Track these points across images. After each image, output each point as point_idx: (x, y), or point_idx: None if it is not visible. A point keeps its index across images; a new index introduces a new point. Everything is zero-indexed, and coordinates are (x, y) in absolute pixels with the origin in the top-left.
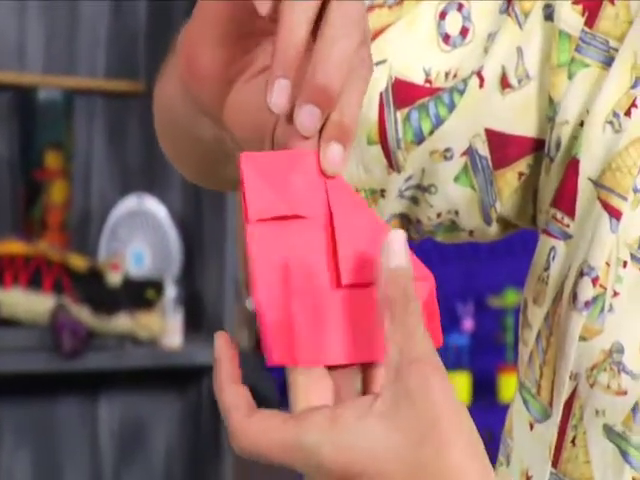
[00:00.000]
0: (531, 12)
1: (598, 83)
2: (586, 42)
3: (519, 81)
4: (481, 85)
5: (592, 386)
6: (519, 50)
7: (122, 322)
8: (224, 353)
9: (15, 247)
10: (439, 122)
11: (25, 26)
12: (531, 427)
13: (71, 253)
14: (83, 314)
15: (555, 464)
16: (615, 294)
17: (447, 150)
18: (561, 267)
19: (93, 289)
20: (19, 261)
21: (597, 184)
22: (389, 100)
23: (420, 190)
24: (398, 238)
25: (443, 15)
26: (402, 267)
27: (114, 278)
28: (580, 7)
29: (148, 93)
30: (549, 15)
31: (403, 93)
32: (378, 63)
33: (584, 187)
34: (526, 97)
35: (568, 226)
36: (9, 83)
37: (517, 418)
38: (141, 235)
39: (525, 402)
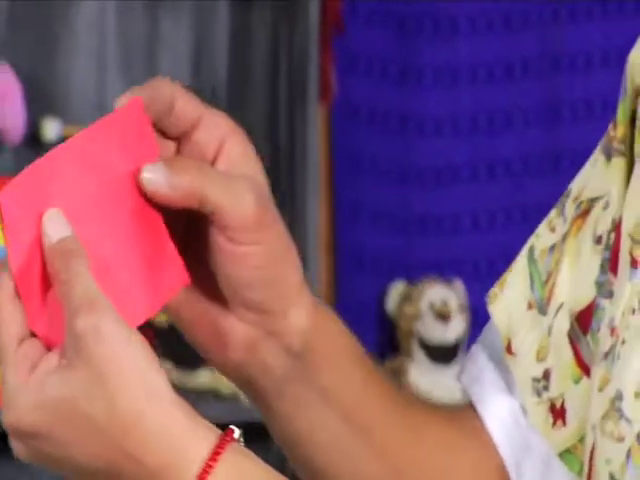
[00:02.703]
0: None
1: None
2: None
3: None
4: None
5: (602, 435)
6: None
7: (204, 377)
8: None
9: None
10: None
11: (105, 82)
12: None
13: None
14: (165, 368)
15: None
16: (623, 342)
17: None
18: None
19: (175, 343)
20: None
21: (632, 239)
22: (577, 334)
23: None
24: (48, 214)
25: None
26: (60, 239)
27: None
28: None
29: None
30: None
31: (584, 318)
32: (557, 310)
33: (624, 242)
34: None
35: (612, 284)
36: None
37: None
38: None
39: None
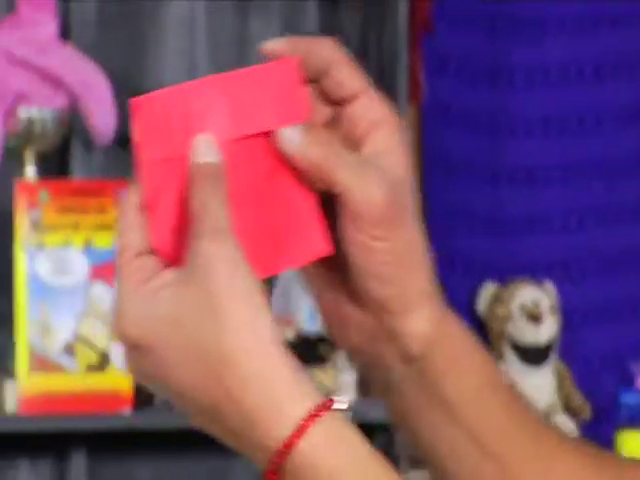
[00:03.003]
0: None
1: None
2: None
3: None
4: None
5: None
6: None
7: None
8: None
9: None
10: None
11: None
12: None
13: None
14: None
15: None
16: None
17: None
18: None
19: None
20: None
21: None
22: None
23: None
24: (203, 137)
25: None
26: (208, 162)
27: (287, 334)
28: None
29: None
30: None
31: None
32: None
33: None
34: None
35: None
36: None
37: None
38: None
39: None
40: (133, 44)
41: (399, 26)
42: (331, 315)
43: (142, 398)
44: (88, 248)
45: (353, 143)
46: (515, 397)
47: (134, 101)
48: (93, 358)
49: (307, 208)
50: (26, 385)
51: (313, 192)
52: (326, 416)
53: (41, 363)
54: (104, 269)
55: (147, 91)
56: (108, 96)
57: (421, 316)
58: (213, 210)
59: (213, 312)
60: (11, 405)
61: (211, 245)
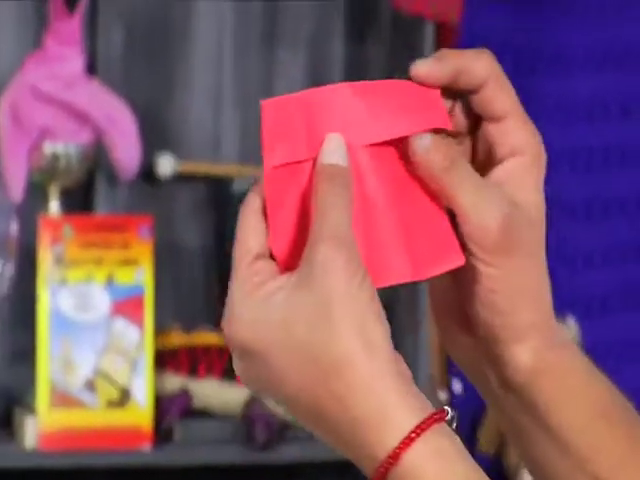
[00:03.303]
0: None
1: None
2: None
3: None
4: None
5: None
6: None
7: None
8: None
9: (209, 338)
10: None
11: (221, 117)
12: None
13: None
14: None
15: None
16: None
17: None
18: None
19: None
20: (213, 352)
21: None
22: None
23: None
24: (334, 138)
25: None
26: (334, 164)
27: None
28: None
29: None
30: None
31: None
32: None
33: None
34: None
35: None
36: (205, 174)
37: None
38: None
39: None
40: (159, 80)
41: (426, 56)
42: (443, 329)
43: (162, 434)
44: (110, 284)
45: (485, 163)
46: (636, 428)
47: (264, 103)
48: (114, 394)
49: (439, 219)
50: (46, 421)
51: (443, 203)
52: (432, 429)
53: (62, 399)
54: (125, 305)
55: (172, 127)
56: (133, 131)
57: (526, 348)
58: (335, 215)
59: (325, 317)
60: (31, 441)
61: (329, 250)
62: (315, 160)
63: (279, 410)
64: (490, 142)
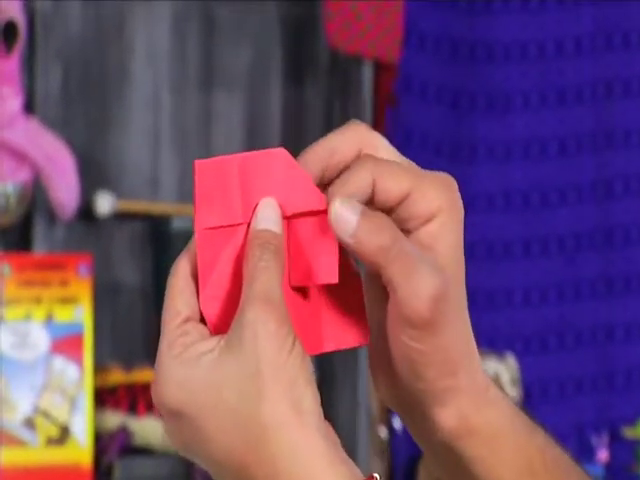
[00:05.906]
0: None
1: None
2: None
3: None
4: None
5: None
6: None
7: None
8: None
9: (148, 375)
10: None
11: (159, 157)
12: None
13: None
14: None
15: None
16: None
17: None
18: None
19: None
20: None
21: None
22: None
23: None
24: (268, 204)
25: None
26: (267, 230)
27: None
28: None
29: None
30: None
31: None
32: None
33: None
34: None
35: None
36: (144, 212)
37: None
38: None
39: None
40: (97, 119)
41: (363, 100)
42: (374, 378)
43: (102, 472)
44: (49, 322)
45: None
46: (565, 476)
47: (197, 163)
48: (53, 432)
49: (354, 293)
50: None
51: (360, 277)
52: None
53: (1, 437)
54: (65, 343)
55: (110, 166)
56: (72, 171)
57: (451, 411)
58: (265, 278)
59: (255, 383)
60: None
61: (259, 313)
62: (249, 224)
63: None
64: (405, 217)
